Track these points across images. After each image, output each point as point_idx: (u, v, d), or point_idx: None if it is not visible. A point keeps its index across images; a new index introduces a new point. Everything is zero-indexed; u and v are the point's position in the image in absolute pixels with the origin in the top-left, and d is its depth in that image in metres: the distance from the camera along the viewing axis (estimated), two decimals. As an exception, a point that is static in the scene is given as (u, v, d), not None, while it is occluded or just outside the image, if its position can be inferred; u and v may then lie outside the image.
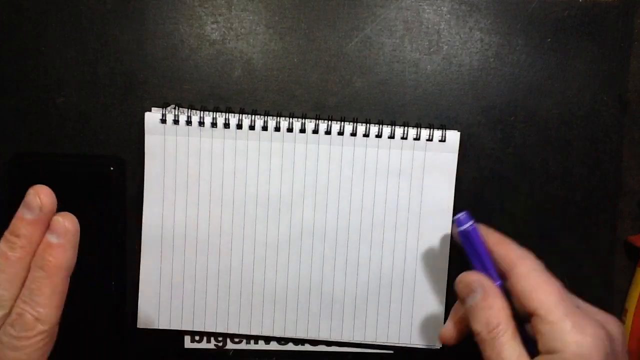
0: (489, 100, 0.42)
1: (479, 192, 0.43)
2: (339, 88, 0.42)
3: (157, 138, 0.41)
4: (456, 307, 0.39)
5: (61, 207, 0.41)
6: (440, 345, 0.43)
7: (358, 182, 0.42)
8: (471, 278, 0.35)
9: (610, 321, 0.33)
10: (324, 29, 0.41)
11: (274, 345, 0.44)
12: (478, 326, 0.34)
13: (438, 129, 0.41)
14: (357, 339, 0.43)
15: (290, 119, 0.41)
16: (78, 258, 0.42)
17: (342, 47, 0.42)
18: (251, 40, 0.42)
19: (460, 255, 0.43)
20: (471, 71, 0.42)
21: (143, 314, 0.43)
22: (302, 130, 0.41)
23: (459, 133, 0.41)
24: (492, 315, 0.33)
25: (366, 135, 0.41)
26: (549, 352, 0.31)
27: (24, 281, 0.31)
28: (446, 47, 0.42)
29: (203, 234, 0.42)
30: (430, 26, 0.41)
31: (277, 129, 0.41)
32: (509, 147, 0.42)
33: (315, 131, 0.41)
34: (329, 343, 0.44)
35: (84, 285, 0.42)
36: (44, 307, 0.31)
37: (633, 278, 0.43)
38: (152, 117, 0.41)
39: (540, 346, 0.31)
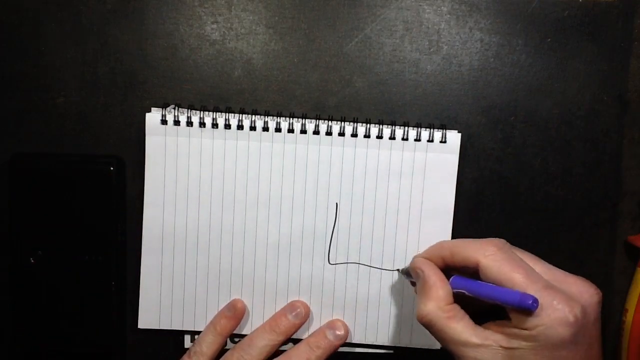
0: (489, 100, 0.42)
1: (479, 192, 0.43)
2: (339, 88, 0.42)
3: (157, 139, 0.41)
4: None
5: (61, 207, 0.41)
6: (440, 346, 0.43)
7: (359, 183, 0.42)
8: (414, 265, 0.38)
9: (585, 292, 0.33)
10: (324, 29, 0.41)
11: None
12: (417, 312, 0.36)
13: (438, 129, 0.41)
14: (357, 339, 0.43)
15: (291, 119, 0.41)
16: (79, 258, 0.42)
17: (342, 47, 0.42)
18: (251, 40, 0.42)
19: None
20: (471, 71, 0.42)
21: (144, 314, 0.43)
22: (303, 131, 0.41)
23: (459, 134, 0.41)
24: (424, 302, 0.35)
25: (367, 136, 0.41)
26: (517, 327, 0.32)
27: None
28: (446, 47, 0.42)
29: (204, 235, 0.42)
30: (430, 26, 0.41)
31: (278, 129, 0.41)
32: (509, 147, 0.42)
33: (316, 132, 0.41)
34: (329, 343, 0.44)
35: (84, 285, 0.42)
36: None
37: (633, 278, 0.43)
38: (152, 118, 0.41)
39: (512, 321, 0.32)
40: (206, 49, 0.42)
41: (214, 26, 0.42)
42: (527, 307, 0.31)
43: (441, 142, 0.41)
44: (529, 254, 0.35)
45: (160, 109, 0.41)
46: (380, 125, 0.41)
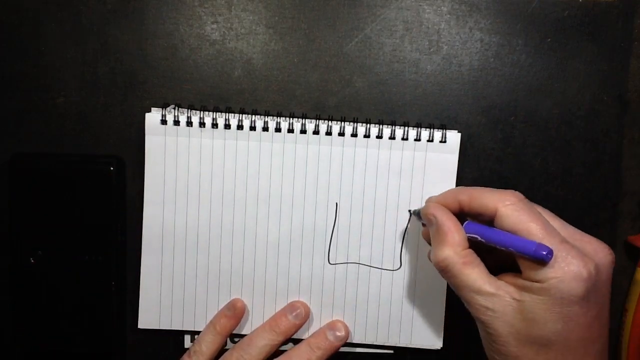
0: (489, 100, 0.42)
1: (479, 192, 0.43)
2: (339, 88, 0.42)
3: (157, 139, 0.41)
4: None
5: (61, 207, 0.41)
6: (441, 346, 0.43)
7: (359, 183, 0.42)
8: (427, 210, 0.36)
9: (600, 251, 0.33)
10: (324, 29, 0.41)
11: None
12: (431, 255, 0.35)
13: (438, 129, 0.41)
14: (358, 339, 0.43)
15: (291, 119, 0.41)
16: (79, 258, 0.42)
17: (342, 47, 0.42)
18: (251, 40, 0.42)
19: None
20: (471, 71, 0.42)
21: (144, 314, 0.43)
22: (303, 131, 0.41)
23: (459, 134, 0.41)
24: (440, 248, 0.34)
25: (367, 136, 0.41)
26: (529, 279, 0.31)
27: None
28: (446, 47, 0.42)
29: (204, 235, 0.42)
30: (430, 26, 0.41)
31: (278, 129, 0.41)
32: (509, 147, 0.42)
33: (316, 132, 0.41)
34: (329, 343, 0.44)
35: (84, 285, 0.42)
36: None
37: (633, 278, 0.43)
38: (152, 118, 0.41)
39: (523, 272, 0.32)
40: (206, 49, 0.42)
41: (214, 26, 0.42)
42: (541, 258, 0.30)
43: (441, 142, 0.41)
44: (547, 211, 0.35)
45: (160, 109, 0.41)
46: (380, 125, 0.41)
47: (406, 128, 0.41)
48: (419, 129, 0.41)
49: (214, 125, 0.41)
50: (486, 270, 0.33)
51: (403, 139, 0.41)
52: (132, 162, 0.42)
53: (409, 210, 0.42)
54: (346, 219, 0.42)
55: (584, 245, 0.33)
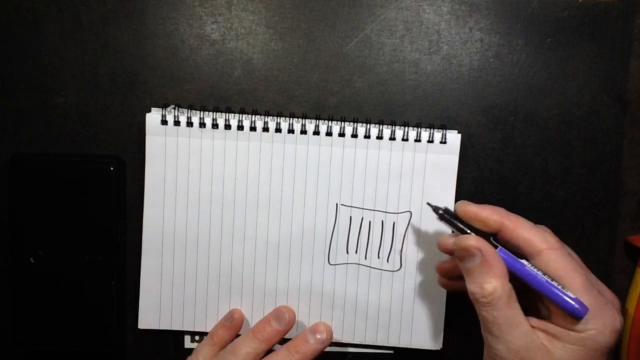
0: (489, 100, 0.42)
1: (479, 192, 0.43)
2: (339, 88, 0.42)
3: (158, 139, 0.41)
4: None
5: (61, 207, 0.41)
6: (441, 346, 0.43)
7: (359, 184, 0.42)
8: (470, 242, 0.34)
9: (616, 301, 0.34)
10: (324, 29, 0.41)
11: (274, 345, 0.44)
12: (473, 288, 0.33)
13: (438, 129, 0.41)
14: (358, 340, 0.43)
15: (291, 119, 0.41)
16: (79, 258, 0.42)
17: (342, 47, 0.42)
18: (251, 40, 0.42)
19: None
20: (471, 71, 0.42)
21: (144, 314, 0.43)
22: (303, 132, 0.41)
23: (459, 135, 0.41)
24: (488, 280, 0.33)
25: (367, 137, 0.41)
26: (564, 327, 0.31)
27: None
28: (446, 47, 0.42)
29: (204, 235, 0.42)
30: (430, 26, 0.41)
31: (278, 130, 0.41)
32: (509, 147, 0.42)
33: (316, 132, 0.41)
34: (329, 343, 0.44)
35: (84, 285, 0.42)
36: None
37: (633, 278, 0.43)
38: (153, 118, 0.41)
39: (554, 318, 0.32)
40: (206, 49, 0.42)
41: (214, 26, 0.42)
42: (577, 315, 0.30)
43: (441, 142, 0.41)
44: (576, 256, 0.35)
45: (160, 109, 0.41)
46: (380, 126, 0.41)
47: (406, 129, 0.41)
48: (419, 129, 0.41)
49: (214, 125, 0.41)
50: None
51: (403, 139, 0.41)
52: (132, 162, 0.42)
53: (428, 203, 0.38)
54: (346, 220, 0.42)
55: (606, 296, 0.33)
